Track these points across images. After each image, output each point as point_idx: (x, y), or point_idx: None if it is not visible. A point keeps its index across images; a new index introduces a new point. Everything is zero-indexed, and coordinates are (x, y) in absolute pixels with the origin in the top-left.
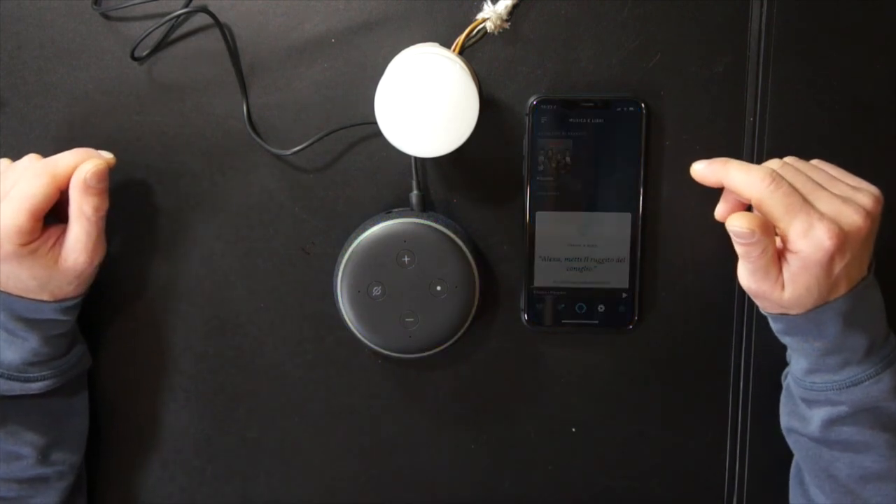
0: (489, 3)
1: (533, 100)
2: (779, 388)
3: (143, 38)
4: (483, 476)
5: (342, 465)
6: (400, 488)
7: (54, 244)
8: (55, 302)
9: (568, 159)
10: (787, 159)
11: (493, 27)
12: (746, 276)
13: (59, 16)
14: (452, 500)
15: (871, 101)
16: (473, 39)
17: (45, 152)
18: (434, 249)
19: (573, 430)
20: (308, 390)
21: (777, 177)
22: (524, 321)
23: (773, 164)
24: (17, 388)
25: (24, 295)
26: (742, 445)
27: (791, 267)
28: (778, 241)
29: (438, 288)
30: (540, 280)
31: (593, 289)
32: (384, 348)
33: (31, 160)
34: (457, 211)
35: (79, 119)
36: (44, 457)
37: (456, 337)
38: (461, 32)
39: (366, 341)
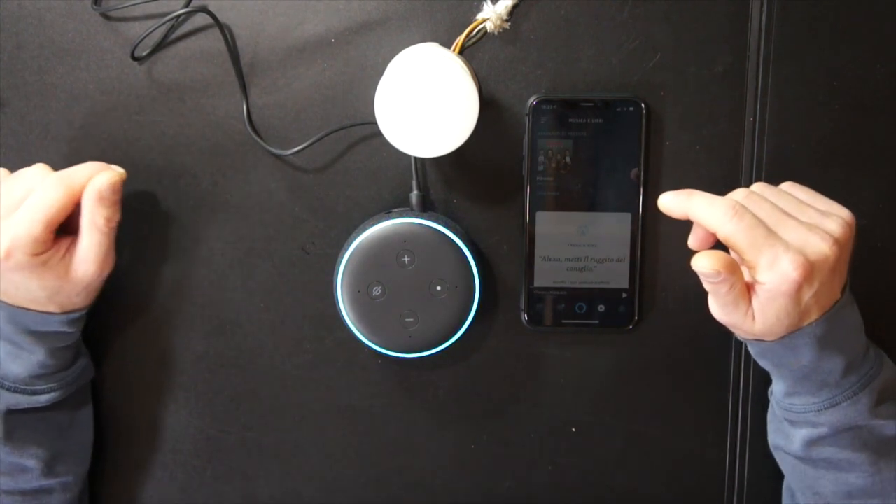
0: (489, 3)
1: (533, 100)
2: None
3: (143, 38)
4: (483, 476)
5: (342, 465)
6: (400, 488)
7: (64, 255)
8: (63, 314)
9: (568, 159)
10: (755, 186)
11: (493, 27)
12: (717, 309)
13: (59, 16)
14: (452, 500)
15: (871, 101)
16: (473, 39)
17: (45, 152)
18: (434, 249)
19: (573, 430)
20: (308, 390)
21: (740, 209)
22: (524, 321)
23: (739, 194)
24: (23, 401)
25: (31, 307)
26: (742, 445)
27: (759, 298)
28: (747, 272)
29: (438, 288)
30: (540, 280)
31: (593, 289)
32: (384, 348)
33: (41, 170)
34: (457, 211)
35: (79, 119)
36: (49, 469)
37: (456, 337)
38: (461, 32)
39: (366, 341)
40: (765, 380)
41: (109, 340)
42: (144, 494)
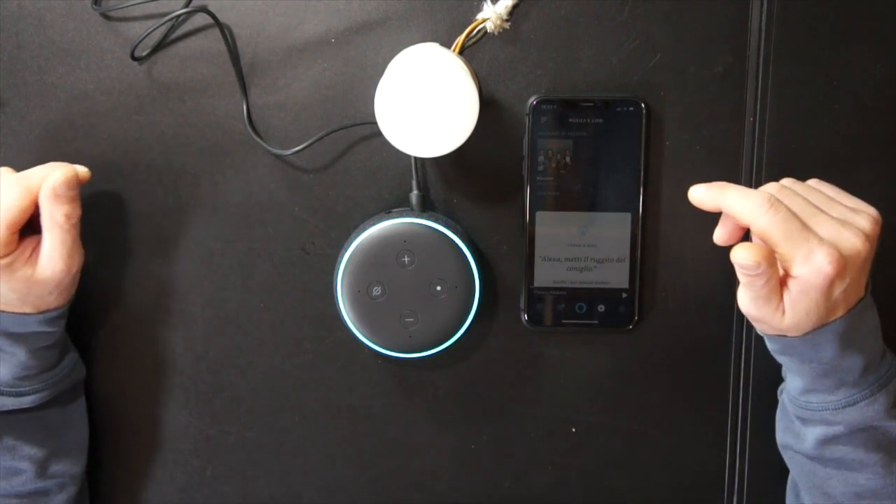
0: (489, 3)
1: (533, 100)
2: (779, 387)
3: (143, 38)
4: (483, 476)
5: (342, 465)
6: (400, 488)
7: (31, 255)
8: (39, 314)
9: (568, 159)
10: (785, 181)
11: (493, 27)
12: (748, 302)
13: (59, 16)
14: (452, 500)
15: (871, 101)
16: (473, 39)
17: (46, 152)
18: (434, 249)
19: (573, 430)
20: (308, 390)
21: (775, 202)
22: (524, 321)
23: (771, 187)
24: (9, 403)
25: (5, 309)
26: (742, 446)
27: (791, 292)
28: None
29: (438, 288)
30: (540, 280)
31: (593, 289)
32: (384, 348)
33: (2, 174)
34: (457, 211)
35: (79, 119)
36: (43, 470)
37: (456, 337)
38: (461, 32)
39: (366, 341)
40: (766, 380)
41: (109, 341)
42: (144, 494)
